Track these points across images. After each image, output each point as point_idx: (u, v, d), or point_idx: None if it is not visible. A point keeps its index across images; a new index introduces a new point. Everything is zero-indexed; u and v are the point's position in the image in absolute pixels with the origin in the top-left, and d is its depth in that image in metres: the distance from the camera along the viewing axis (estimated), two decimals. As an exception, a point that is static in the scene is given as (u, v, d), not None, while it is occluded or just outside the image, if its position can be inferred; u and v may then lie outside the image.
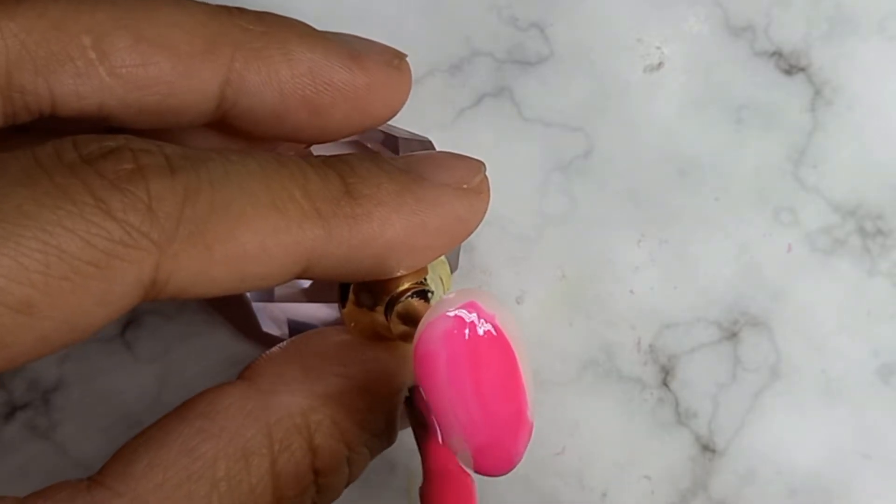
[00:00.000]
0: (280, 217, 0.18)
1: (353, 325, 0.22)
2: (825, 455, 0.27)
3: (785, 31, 0.27)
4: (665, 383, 0.27)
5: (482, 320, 0.19)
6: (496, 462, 0.20)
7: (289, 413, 0.20)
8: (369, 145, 0.25)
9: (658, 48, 0.27)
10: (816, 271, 0.27)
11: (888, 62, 0.27)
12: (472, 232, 0.21)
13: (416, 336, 0.19)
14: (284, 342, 0.22)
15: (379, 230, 0.19)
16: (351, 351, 0.21)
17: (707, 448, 0.27)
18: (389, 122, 0.24)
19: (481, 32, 0.27)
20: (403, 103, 0.23)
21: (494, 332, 0.19)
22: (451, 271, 0.26)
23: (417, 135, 0.25)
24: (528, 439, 0.20)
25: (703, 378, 0.27)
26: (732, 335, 0.27)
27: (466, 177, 0.21)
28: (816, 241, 0.27)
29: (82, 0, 0.20)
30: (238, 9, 0.21)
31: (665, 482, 0.27)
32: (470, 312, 0.19)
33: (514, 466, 0.20)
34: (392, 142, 0.25)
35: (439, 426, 0.19)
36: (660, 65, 0.27)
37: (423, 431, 0.19)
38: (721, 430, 0.27)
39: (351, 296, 0.22)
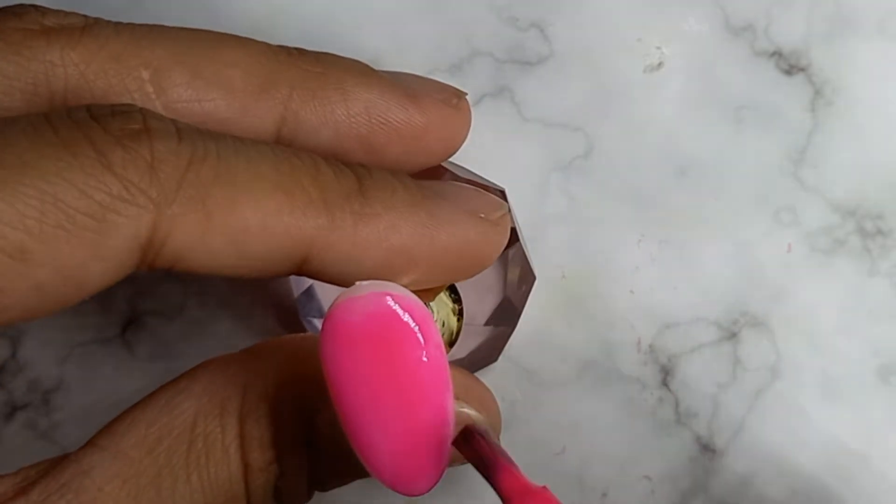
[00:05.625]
0: (284, 198, 0.18)
1: None
2: (825, 455, 0.27)
3: (785, 31, 0.27)
4: (665, 383, 0.27)
5: (398, 306, 0.18)
6: (407, 472, 0.19)
7: (264, 382, 0.20)
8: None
9: (658, 48, 0.27)
10: (816, 271, 0.27)
11: (888, 62, 0.27)
12: (482, 265, 0.21)
13: (327, 312, 0.18)
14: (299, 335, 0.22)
15: (384, 233, 0.19)
16: None
17: (707, 448, 0.27)
18: (468, 168, 0.24)
19: (481, 32, 0.27)
20: (462, 142, 0.23)
21: (409, 317, 0.18)
22: (488, 363, 0.26)
23: (492, 182, 0.25)
24: (448, 449, 0.19)
25: (703, 378, 0.27)
26: (732, 335, 0.27)
27: (486, 208, 0.21)
28: (816, 241, 0.27)
29: (144, 35, 0.20)
30: (297, 49, 0.21)
31: (665, 482, 0.27)
32: (387, 295, 0.18)
33: (432, 479, 0.19)
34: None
35: (346, 423, 0.19)
36: (660, 65, 0.27)
37: (484, 465, 0.18)
38: (721, 430, 0.27)
39: None
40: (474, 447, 0.19)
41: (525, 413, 0.27)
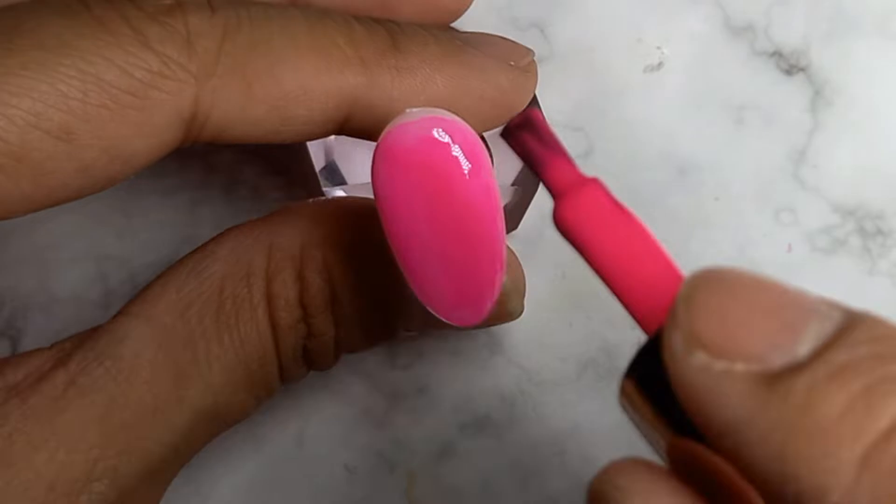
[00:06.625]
0: (321, 59, 0.18)
1: None
2: (825, 455, 0.26)
3: (785, 31, 0.27)
4: (665, 383, 0.27)
5: (448, 130, 0.18)
6: (464, 300, 0.19)
7: (289, 242, 0.20)
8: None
9: (658, 48, 0.27)
10: (816, 271, 0.27)
11: (888, 62, 0.27)
12: (512, 112, 0.21)
13: (380, 137, 0.18)
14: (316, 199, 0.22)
15: (421, 86, 0.19)
16: (366, 215, 0.21)
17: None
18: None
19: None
20: (470, 2, 0.23)
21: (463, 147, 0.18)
22: (510, 230, 0.26)
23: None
24: (502, 273, 0.19)
25: (704, 378, 0.27)
26: (732, 335, 0.27)
27: (514, 55, 0.21)
28: (816, 241, 0.27)
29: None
30: None
31: (665, 482, 0.26)
32: (438, 119, 0.18)
33: (486, 306, 0.19)
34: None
35: (398, 249, 0.19)
36: (660, 65, 0.27)
37: (534, 159, 0.18)
38: (721, 431, 0.27)
39: None
40: (522, 141, 0.19)
41: (525, 413, 0.27)
